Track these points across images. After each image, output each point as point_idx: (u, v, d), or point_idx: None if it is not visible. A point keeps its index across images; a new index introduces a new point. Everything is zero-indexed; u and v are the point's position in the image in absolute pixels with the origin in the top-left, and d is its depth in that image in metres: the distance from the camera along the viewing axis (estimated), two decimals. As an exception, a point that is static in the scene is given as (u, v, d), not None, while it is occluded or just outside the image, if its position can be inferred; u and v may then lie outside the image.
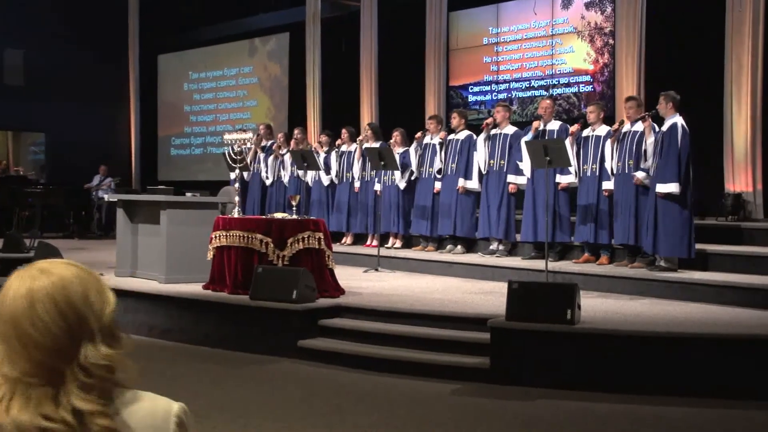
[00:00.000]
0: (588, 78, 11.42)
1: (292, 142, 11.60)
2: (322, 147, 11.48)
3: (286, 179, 11.64)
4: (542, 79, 11.95)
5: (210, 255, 7.38)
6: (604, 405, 5.00)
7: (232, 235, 7.20)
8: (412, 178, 10.25)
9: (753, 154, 9.37)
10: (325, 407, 4.95)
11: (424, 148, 10.16)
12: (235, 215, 7.73)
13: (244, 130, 11.29)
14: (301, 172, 11.21)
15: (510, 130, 9.34)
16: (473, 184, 9.54)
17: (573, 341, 5.48)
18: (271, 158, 11.82)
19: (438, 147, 9.91)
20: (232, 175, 10.93)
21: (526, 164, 8.68)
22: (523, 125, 9.90)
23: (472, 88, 12.78)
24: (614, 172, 8.08)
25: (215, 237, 7.33)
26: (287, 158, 11.54)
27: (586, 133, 8.51)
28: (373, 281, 8.29)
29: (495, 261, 8.88)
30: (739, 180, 9.41)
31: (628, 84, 10.32)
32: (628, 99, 8.43)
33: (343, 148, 11.15)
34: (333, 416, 4.75)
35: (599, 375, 5.38)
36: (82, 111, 16.69)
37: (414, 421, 4.69)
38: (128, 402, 1.33)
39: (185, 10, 17.18)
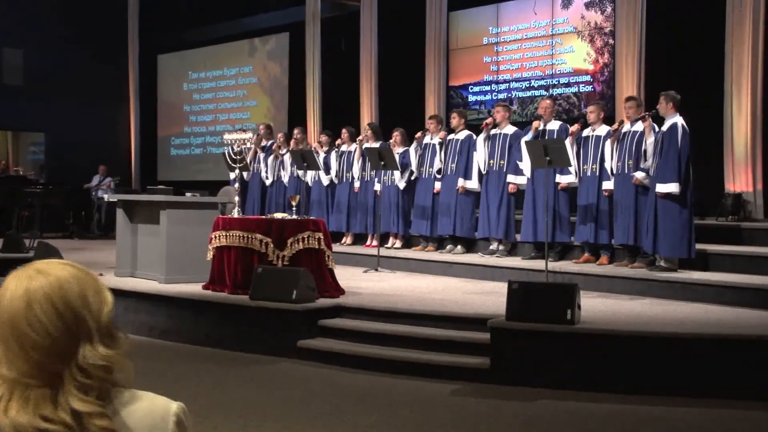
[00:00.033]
0: (588, 78, 11.42)
1: (292, 142, 11.59)
2: (321, 147, 11.47)
3: (285, 179, 11.64)
4: (542, 79, 11.95)
5: (210, 255, 7.37)
6: (604, 405, 4.99)
7: (232, 236, 7.20)
8: (412, 178, 10.25)
9: (753, 154, 9.37)
10: (325, 407, 4.94)
11: (424, 148, 10.15)
12: (235, 215, 7.72)
13: (244, 130, 11.27)
14: (300, 172, 11.21)
15: (510, 130, 9.34)
16: (473, 184, 9.54)
17: (573, 341, 5.47)
18: (270, 158, 11.82)
19: (438, 147, 9.91)
20: (232, 175, 10.93)
21: (526, 164, 8.67)
22: (523, 125, 9.89)
23: (472, 88, 12.78)
24: (614, 172, 8.08)
25: (215, 237, 7.32)
26: (287, 158, 11.54)
27: (586, 133, 8.51)
28: (373, 281, 8.29)
29: (495, 261, 8.87)
30: (739, 180, 9.41)
31: (628, 84, 10.32)
32: (628, 99, 8.43)
33: (343, 148, 11.14)
34: (333, 416, 4.74)
35: (599, 375, 5.38)
36: (82, 111, 16.70)
37: (414, 421, 4.68)
38: (127, 402, 1.33)
39: (185, 10, 17.18)
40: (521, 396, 5.20)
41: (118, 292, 7.22)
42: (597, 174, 8.31)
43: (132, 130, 18.39)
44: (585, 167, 8.42)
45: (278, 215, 7.72)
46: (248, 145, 9.59)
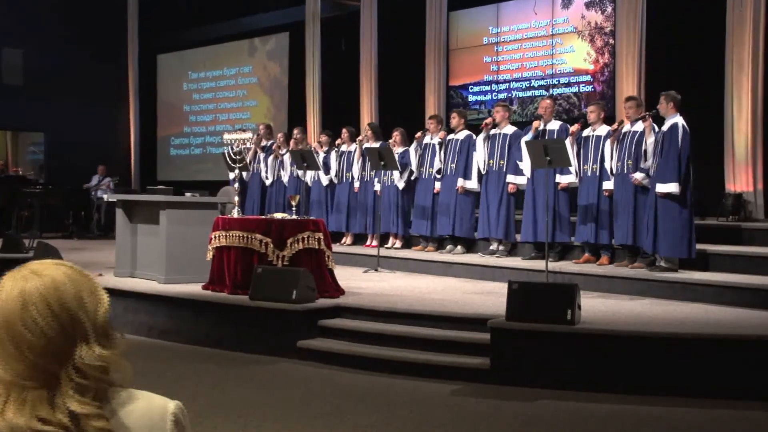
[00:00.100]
0: (588, 78, 11.41)
1: (292, 142, 11.58)
2: (321, 147, 11.47)
3: (285, 179, 11.63)
4: (542, 78, 11.94)
5: (209, 255, 7.37)
6: (604, 405, 4.99)
7: (232, 236, 7.19)
8: (412, 178, 10.24)
9: (753, 154, 9.37)
10: (325, 407, 4.94)
11: (424, 148, 10.15)
12: (235, 215, 7.72)
13: (244, 130, 11.28)
14: (300, 172, 11.20)
15: (509, 130, 9.33)
16: (473, 184, 9.53)
17: (573, 341, 5.47)
18: (270, 158, 11.81)
19: (438, 147, 9.90)
20: (232, 175, 10.92)
21: (526, 164, 8.67)
22: (523, 125, 9.88)
23: (472, 88, 12.77)
24: (614, 172, 8.07)
25: (215, 237, 7.32)
26: (287, 158, 11.53)
27: (586, 133, 8.50)
28: (372, 281, 8.28)
29: (495, 261, 8.86)
30: (739, 180, 9.40)
31: (628, 84, 10.31)
32: (628, 99, 8.42)
33: (343, 148, 11.14)
34: (332, 416, 4.74)
35: (599, 375, 5.37)
36: (82, 111, 16.70)
37: (414, 421, 4.68)
38: (124, 402, 1.32)
39: (184, 10, 17.17)
40: (521, 396, 5.20)
41: (117, 292, 7.22)
42: (597, 174, 8.31)
43: (131, 130, 18.38)
44: (585, 167, 8.41)
45: (278, 215, 7.72)
46: (248, 145, 9.58)
